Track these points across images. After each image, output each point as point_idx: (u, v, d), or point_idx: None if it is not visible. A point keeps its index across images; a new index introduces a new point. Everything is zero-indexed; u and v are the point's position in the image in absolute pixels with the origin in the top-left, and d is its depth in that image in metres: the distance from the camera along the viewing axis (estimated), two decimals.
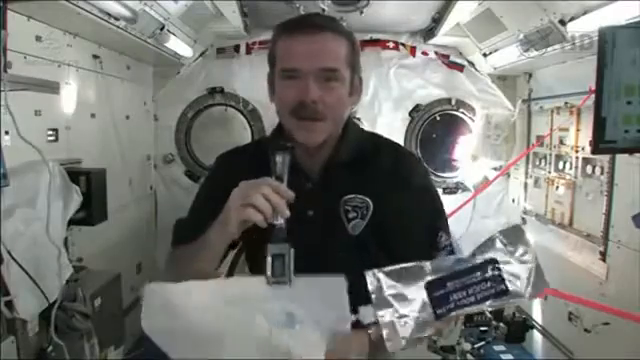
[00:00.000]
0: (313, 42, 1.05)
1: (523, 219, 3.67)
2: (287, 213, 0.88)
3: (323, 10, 3.14)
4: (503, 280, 0.83)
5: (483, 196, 3.71)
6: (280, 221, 0.89)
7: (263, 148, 1.02)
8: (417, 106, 3.85)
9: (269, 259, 0.86)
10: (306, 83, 1.03)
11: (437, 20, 3.41)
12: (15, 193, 1.69)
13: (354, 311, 0.85)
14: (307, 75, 1.03)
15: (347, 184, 1.10)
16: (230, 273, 1.32)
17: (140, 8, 2.40)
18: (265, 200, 0.87)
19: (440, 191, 3.88)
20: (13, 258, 1.62)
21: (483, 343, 3.09)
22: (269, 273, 0.86)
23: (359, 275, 0.87)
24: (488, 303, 0.84)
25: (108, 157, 2.88)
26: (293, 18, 1.11)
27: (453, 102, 3.85)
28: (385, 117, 3.84)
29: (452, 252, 1.07)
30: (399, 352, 1.36)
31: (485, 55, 3.53)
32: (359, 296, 0.90)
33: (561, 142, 3.17)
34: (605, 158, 2.63)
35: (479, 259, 0.84)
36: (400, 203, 1.08)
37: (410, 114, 3.86)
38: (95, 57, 2.71)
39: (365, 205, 1.09)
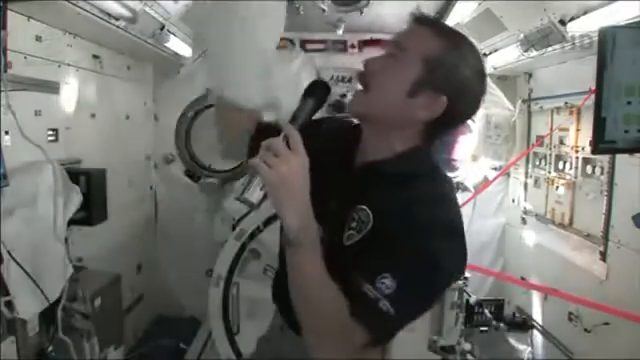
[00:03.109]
0: (409, 28, 1.06)
1: (523, 219, 3.67)
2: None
3: (323, 10, 3.13)
4: None
5: (483, 196, 3.71)
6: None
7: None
8: None
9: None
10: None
11: (437, 20, 3.40)
12: (15, 193, 1.69)
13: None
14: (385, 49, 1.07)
15: (371, 196, 1.04)
16: None
17: (140, 8, 2.40)
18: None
19: None
20: (13, 258, 1.62)
21: None
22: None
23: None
24: None
25: (108, 157, 2.87)
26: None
27: None
28: None
29: (381, 301, 0.90)
30: (399, 352, 1.37)
31: (485, 55, 3.52)
32: None
33: (561, 142, 3.17)
34: (605, 158, 2.63)
35: None
36: (386, 230, 0.98)
37: None
38: (95, 57, 2.71)
39: (367, 221, 1.02)
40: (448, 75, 1.01)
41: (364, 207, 1.02)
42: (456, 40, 1.04)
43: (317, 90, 1.04)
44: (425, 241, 0.95)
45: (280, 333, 1.26)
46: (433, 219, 0.99)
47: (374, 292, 0.90)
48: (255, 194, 0.92)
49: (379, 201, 1.02)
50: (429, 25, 1.05)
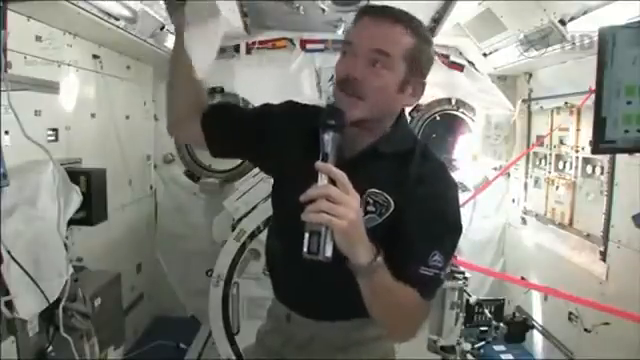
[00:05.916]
0: (377, 25, 1.08)
1: (523, 219, 3.67)
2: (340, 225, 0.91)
3: (323, 10, 3.13)
4: None
5: (483, 196, 3.71)
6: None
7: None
8: (417, 106, 3.84)
9: (306, 234, 0.91)
10: (354, 60, 1.07)
11: (437, 20, 3.40)
12: (15, 193, 1.69)
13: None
14: (358, 52, 1.07)
15: (376, 178, 1.12)
16: None
17: (140, 8, 2.40)
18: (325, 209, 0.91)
19: None
20: (13, 258, 1.62)
21: (483, 343, 3.08)
22: (305, 249, 0.91)
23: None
24: None
25: (108, 157, 2.87)
26: (377, 5, 1.12)
27: (453, 102, 3.85)
28: None
29: (439, 273, 1.06)
30: (399, 352, 1.37)
31: (485, 55, 3.53)
32: (351, 286, 1.00)
33: (561, 142, 3.17)
34: (605, 158, 2.63)
35: None
36: (415, 215, 1.08)
37: (410, 114, 3.85)
38: (95, 57, 2.71)
39: (386, 204, 1.10)
40: (424, 61, 1.14)
41: (377, 191, 1.10)
42: (418, 26, 1.11)
43: (333, 119, 1.03)
44: (449, 208, 1.14)
45: (287, 322, 1.28)
46: (447, 184, 1.17)
47: (432, 270, 1.05)
48: (329, 248, 0.92)
49: (392, 182, 1.11)
50: (396, 21, 1.08)
